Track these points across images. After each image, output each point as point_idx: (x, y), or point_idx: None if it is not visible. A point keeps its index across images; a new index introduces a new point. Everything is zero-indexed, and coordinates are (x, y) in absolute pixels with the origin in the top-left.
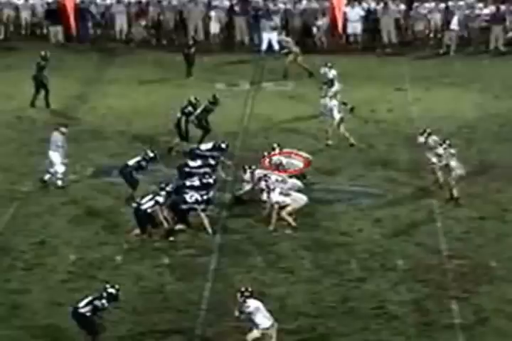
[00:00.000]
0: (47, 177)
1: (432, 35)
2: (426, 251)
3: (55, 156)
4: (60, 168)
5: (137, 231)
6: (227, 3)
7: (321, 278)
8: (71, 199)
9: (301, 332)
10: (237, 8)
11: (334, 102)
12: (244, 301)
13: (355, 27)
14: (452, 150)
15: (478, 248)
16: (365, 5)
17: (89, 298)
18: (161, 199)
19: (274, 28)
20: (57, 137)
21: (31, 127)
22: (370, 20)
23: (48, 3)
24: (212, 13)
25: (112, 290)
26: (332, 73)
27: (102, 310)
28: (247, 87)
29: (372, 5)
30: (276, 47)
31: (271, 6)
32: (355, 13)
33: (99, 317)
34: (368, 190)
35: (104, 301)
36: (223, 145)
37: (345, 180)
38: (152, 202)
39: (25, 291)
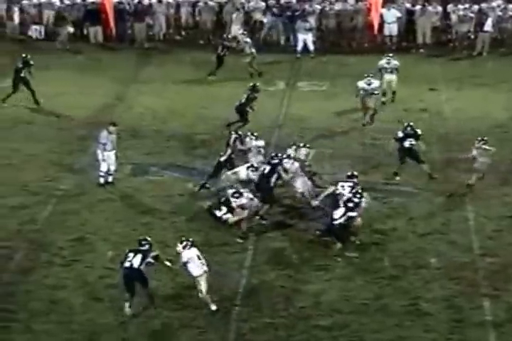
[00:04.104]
0: (110, 178)
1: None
2: (458, 249)
3: (98, 154)
4: (103, 166)
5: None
6: (263, 4)
7: (354, 276)
8: (109, 197)
9: (335, 328)
10: (274, 10)
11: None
12: (179, 252)
13: (392, 28)
14: (486, 147)
15: (510, 246)
16: (401, 6)
17: (138, 256)
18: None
19: (308, 29)
20: (102, 134)
21: (70, 125)
22: (406, 21)
23: (88, 5)
24: (234, 15)
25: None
26: (394, 63)
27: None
28: (283, 87)
29: (408, 6)
30: (311, 47)
31: (306, 7)
32: (392, 14)
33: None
34: (402, 189)
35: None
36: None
37: (379, 178)
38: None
39: (63, 287)
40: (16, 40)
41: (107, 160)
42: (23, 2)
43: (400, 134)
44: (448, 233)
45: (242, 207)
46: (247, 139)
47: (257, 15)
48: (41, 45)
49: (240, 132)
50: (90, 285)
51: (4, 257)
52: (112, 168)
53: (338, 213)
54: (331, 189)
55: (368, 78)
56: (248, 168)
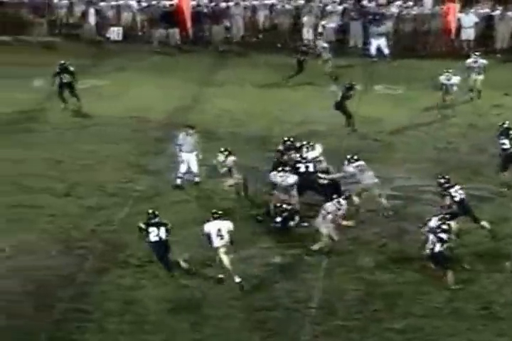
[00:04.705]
0: (196, 179)
1: None
2: None
3: (177, 156)
4: (181, 168)
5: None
6: (340, 8)
7: (427, 279)
8: (184, 199)
9: (408, 331)
10: (352, 13)
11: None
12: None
13: (469, 33)
14: None
15: None
16: (480, 11)
17: (162, 228)
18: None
19: (381, 34)
20: (179, 136)
21: (145, 127)
22: (484, 25)
23: (162, 6)
24: (305, 19)
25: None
26: (481, 62)
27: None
28: (359, 90)
29: (487, 11)
30: (386, 52)
31: (384, 11)
32: (469, 19)
33: None
34: (477, 193)
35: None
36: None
37: (453, 183)
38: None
39: (138, 287)
40: (93, 42)
41: (186, 162)
42: (101, 4)
43: (497, 133)
44: None
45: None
46: (304, 149)
47: (333, 19)
48: (118, 46)
49: (292, 139)
50: (165, 286)
51: (80, 257)
52: (194, 169)
53: (429, 245)
54: (447, 201)
55: (447, 74)
56: (279, 171)
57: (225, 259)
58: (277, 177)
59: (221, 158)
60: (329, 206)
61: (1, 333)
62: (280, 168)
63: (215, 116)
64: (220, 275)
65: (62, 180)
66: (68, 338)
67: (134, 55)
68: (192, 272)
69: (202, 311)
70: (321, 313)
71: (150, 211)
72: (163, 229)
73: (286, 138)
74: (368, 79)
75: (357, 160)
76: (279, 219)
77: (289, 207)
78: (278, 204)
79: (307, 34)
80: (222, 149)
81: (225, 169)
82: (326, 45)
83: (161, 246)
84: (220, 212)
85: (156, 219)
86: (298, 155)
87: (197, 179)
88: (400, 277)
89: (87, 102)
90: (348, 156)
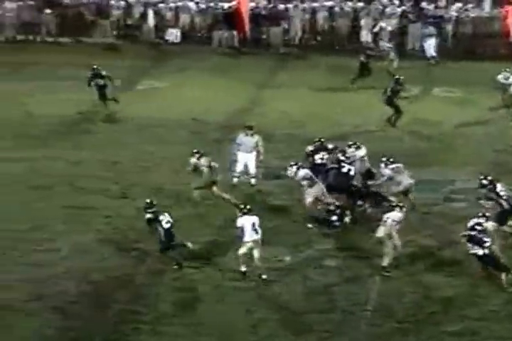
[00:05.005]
0: (253, 181)
1: None
2: None
3: (234, 155)
4: (237, 167)
5: None
6: (399, 10)
7: (482, 282)
8: (239, 200)
9: (465, 334)
10: (410, 16)
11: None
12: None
13: None
14: None
15: None
16: None
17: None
18: None
19: (429, 35)
20: (239, 136)
21: (205, 128)
22: None
23: (220, 8)
24: (362, 21)
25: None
26: None
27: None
28: (418, 93)
29: None
30: (433, 53)
31: (443, 13)
32: None
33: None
34: None
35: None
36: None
37: (507, 185)
38: None
39: (192, 290)
40: (152, 44)
41: (243, 162)
42: (160, 5)
43: None
44: None
45: None
46: (351, 149)
47: (392, 22)
48: (177, 48)
49: (322, 139)
50: (220, 288)
51: (136, 259)
52: (251, 170)
53: (476, 250)
54: (489, 204)
55: (505, 73)
56: (292, 165)
57: (242, 251)
58: (288, 174)
59: (193, 160)
60: (396, 215)
61: (57, 334)
62: (291, 164)
63: (273, 118)
64: (264, 276)
65: (118, 181)
66: (124, 340)
67: (194, 57)
68: (245, 274)
69: (258, 313)
70: (378, 315)
71: (148, 200)
72: (167, 214)
73: (316, 139)
74: (427, 82)
75: (393, 162)
76: (334, 217)
77: (338, 204)
78: (326, 205)
79: (365, 36)
80: (195, 151)
81: (207, 169)
82: (390, 44)
83: (172, 232)
84: (248, 207)
85: (155, 208)
86: (341, 154)
87: (253, 181)
88: (455, 280)
89: (145, 103)
90: (384, 159)
